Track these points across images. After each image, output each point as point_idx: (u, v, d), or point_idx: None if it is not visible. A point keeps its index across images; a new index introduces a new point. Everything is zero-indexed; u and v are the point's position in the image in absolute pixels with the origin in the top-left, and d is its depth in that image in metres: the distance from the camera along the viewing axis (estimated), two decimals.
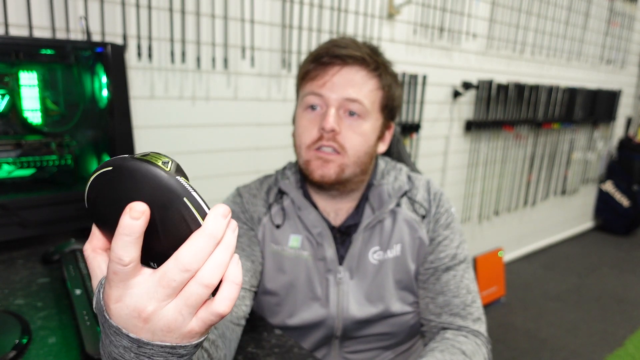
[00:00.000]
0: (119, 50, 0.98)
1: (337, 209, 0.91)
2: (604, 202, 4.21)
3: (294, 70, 1.78)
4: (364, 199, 0.91)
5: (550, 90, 3.15)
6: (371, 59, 0.84)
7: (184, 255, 0.34)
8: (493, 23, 2.63)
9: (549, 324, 2.56)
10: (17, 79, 0.97)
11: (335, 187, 0.87)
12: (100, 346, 0.39)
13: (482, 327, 0.84)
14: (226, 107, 1.65)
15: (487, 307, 2.70)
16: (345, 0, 1.88)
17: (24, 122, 1.00)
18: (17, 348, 0.68)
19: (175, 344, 0.36)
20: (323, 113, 0.84)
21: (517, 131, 3.04)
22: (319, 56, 0.84)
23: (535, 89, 3.00)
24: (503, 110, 2.84)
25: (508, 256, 3.37)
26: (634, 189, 3.98)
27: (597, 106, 3.63)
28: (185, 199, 0.33)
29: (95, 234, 0.39)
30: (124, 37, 1.35)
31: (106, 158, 1.06)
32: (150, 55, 1.41)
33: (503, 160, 3.05)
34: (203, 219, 0.34)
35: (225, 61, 1.58)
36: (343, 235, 0.89)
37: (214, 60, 1.56)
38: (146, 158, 0.34)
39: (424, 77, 2.31)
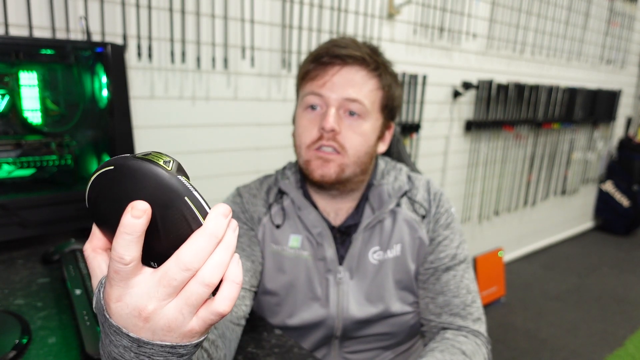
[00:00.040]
0: (119, 50, 0.98)
1: (337, 209, 0.91)
2: (604, 202, 4.21)
3: (294, 70, 1.78)
4: (364, 199, 0.91)
5: (550, 90, 3.15)
6: (371, 59, 0.84)
7: (185, 254, 0.34)
8: (493, 23, 2.63)
9: (549, 324, 2.56)
10: (17, 79, 0.97)
11: (335, 187, 0.87)
12: (100, 346, 0.39)
13: (482, 327, 0.84)
14: (226, 107, 1.65)
15: (487, 307, 2.70)
16: (345, 0, 1.88)
17: (24, 122, 1.00)
18: (17, 348, 0.68)
19: (175, 344, 0.36)
20: (323, 113, 0.84)
21: (517, 131, 3.04)
22: (319, 56, 0.84)
23: (535, 89, 3.00)
24: (503, 110, 2.84)
25: (508, 256, 3.37)
26: (634, 189, 3.98)
27: (597, 106, 3.63)
28: (186, 198, 0.33)
29: (96, 233, 0.39)
30: (124, 37, 1.35)
31: (106, 158, 1.06)
32: (150, 55, 1.41)
33: (503, 160, 3.05)
34: (204, 218, 0.34)
35: (225, 61, 1.58)
36: (343, 235, 0.89)
37: (214, 60, 1.56)
38: (147, 157, 0.34)
39: (424, 77, 2.31)
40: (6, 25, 1.16)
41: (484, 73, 2.69)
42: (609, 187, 4.16)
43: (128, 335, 0.35)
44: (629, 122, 4.37)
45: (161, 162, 0.34)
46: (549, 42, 3.10)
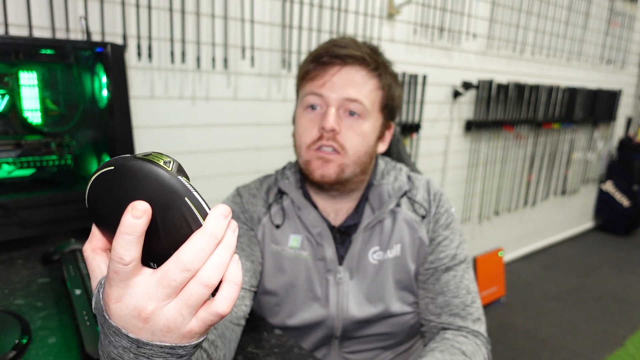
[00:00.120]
0: (119, 50, 0.98)
1: (337, 209, 0.91)
2: (604, 202, 4.21)
3: (294, 70, 1.78)
4: (363, 199, 0.91)
5: (551, 90, 3.15)
6: (371, 59, 0.84)
7: (185, 254, 0.34)
8: (493, 23, 2.63)
9: (549, 324, 2.56)
10: (17, 79, 0.96)
11: (335, 187, 0.87)
12: (99, 346, 0.39)
13: (481, 328, 0.84)
14: (226, 107, 1.65)
15: (487, 307, 2.70)
16: (345, 0, 1.88)
17: (24, 122, 1.00)
18: (17, 348, 0.68)
19: (174, 344, 0.36)
20: (323, 113, 0.84)
21: (517, 131, 3.04)
22: (319, 56, 0.84)
23: (535, 89, 3.00)
24: (503, 110, 2.84)
25: (508, 256, 3.37)
26: (634, 189, 3.98)
27: (597, 106, 3.63)
28: (186, 199, 0.33)
29: (95, 234, 0.39)
30: (124, 37, 1.35)
31: (106, 158, 1.06)
32: (150, 55, 1.41)
33: (503, 160, 3.05)
34: (204, 219, 0.34)
35: (225, 61, 1.58)
36: (343, 235, 0.89)
37: (213, 60, 1.56)
38: (148, 158, 0.34)
39: (424, 77, 2.31)
40: (6, 25, 1.16)
41: (484, 73, 2.69)
42: (609, 187, 4.16)
43: (127, 336, 0.35)
44: (629, 122, 4.37)
45: (161, 163, 0.34)
46: (549, 42, 3.10)
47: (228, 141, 1.69)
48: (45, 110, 1.01)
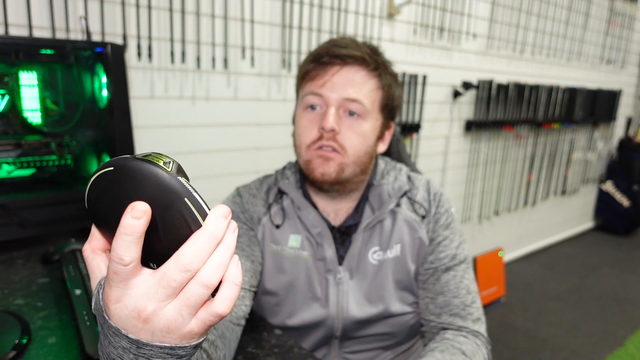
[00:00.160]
0: (119, 50, 0.98)
1: (337, 209, 0.91)
2: (604, 202, 4.21)
3: (294, 70, 1.78)
4: (363, 199, 0.91)
5: (551, 90, 3.15)
6: (371, 59, 0.84)
7: (185, 255, 0.33)
8: (493, 23, 2.63)
9: (549, 324, 2.56)
10: (17, 79, 0.96)
11: (335, 187, 0.87)
12: (99, 347, 0.39)
13: (481, 328, 0.84)
14: (226, 107, 1.65)
15: (487, 307, 2.70)
16: (345, 0, 1.88)
17: (24, 122, 1.00)
18: (17, 348, 0.68)
19: (174, 345, 0.36)
20: (323, 113, 0.84)
21: (517, 131, 3.04)
22: (318, 56, 0.84)
23: (535, 89, 3.00)
24: (503, 110, 2.84)
25: (508, 256, 3.37)
26: (634, 189, 3.98)
27: (597, 106, 3.63)
28: (186, 199, 0.33)
29: (95, 234, 0.39)
30: (124, 37, 1.35)
31: (106, 158, 1.06)
32: (150, 55, 1.41)
33: (503, 160, 3.05)
34: (204, 219, 0.34)
35: (225, 61, 1.58)
36: (343, 235, 0.89)
37: (213, 60, 1.56)
38: (147, 158, 0.34)
39: (424, 77, 2.31)
40: (6, 25, 1.16)
41: (484, 73, 2.69)
42: (609, 187, 4.16)
43: (127, 336, 0.35)
44: (629, 122, 4.37)
45: (161, 163, 0.34)
46: (549, 42, 3.10)
47: (228, 141, 1.69)
48: (45, 110, 1.01)
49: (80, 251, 0.99)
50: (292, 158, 1.00)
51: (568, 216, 3.98)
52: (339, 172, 0.84)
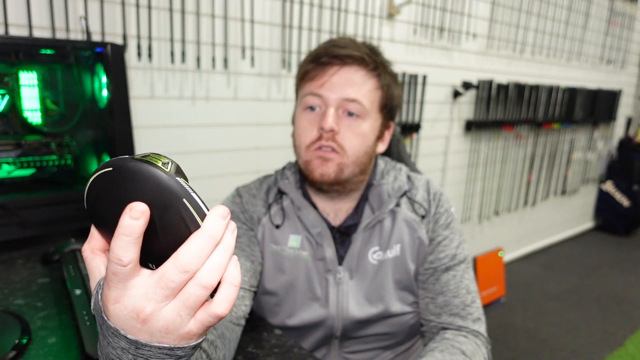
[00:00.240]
0: (119, 50, 0.98)
1: (337, 209, 0.91)
2: (604, 202, 4.21)
3: (294, 70, 1.78)
4: (363, 199, 0.91)
5: (551, 90, 3.15)
6: (370, 59, 0.84)
7: (183, 256, 0.33)
8: (493, 23, 2.63)
9: (549, 324, 2.56)
10: (17, 79, 0.97)
11: (334, 187, 0.87)
12: (98, 347, 0.39)
13: (481, 327, 0.84)
14: (226, 107, 1.65)
15: (487, 307, 2.70)
16: (345, 0, 1.88)
17: (24, 122, 1.00)
18: (17, 348, 0.68)
19: (173, 346, 0.36)
20: (322, 113, 0.84)
21: (517, 131, 3.04)
22: (317, 56, 0.84)
23: (535, 89, 3.00)
24: (503, 110, 2.84)
25: (508, 256, 3.37)
26: (634, 189, 3.98)
27: (597, 106, 3.63)
28: (184, 200, 0.33)
29: (94, 234, 0.39)
30: (124, 37, 1.35)
31: (106, 158, 1.06)
32: (150, 55, 1.41)
33: (503, 160, 3.05)
34: (202, 220, 0.34)
35: (225, 61, 1.58)
36: (343, 235, 0.89)
37: (213, 60, 1.56)
38: (146, 159, 0.34)
39: (424, 77, 2.31)
40: (6, 25, 1.16)
41: (484, 73, 2.69)
42: (609, 187, 4.16)
43: (126, 337, 0.35)
44: (629, 122, 4.37)
45: (159, 164, 0.34)
46: (549, 42, 3.10)
47: (228, 141, 1.69)
48: (45, 110, 1.01)
49: (80, 251, 0.99)
50: (292, 158, 1.00)
51: (568, 216, 3.98)
52: (338, 172, 0.84)
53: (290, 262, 0.88)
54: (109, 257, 0.33)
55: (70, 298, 0.79)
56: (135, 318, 0.34)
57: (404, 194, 0.91)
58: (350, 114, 0.83)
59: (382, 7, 2.05)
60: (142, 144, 1.47)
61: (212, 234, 0.34)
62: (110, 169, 0.34)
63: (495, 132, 2.90)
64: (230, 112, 1.66)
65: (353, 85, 0.82)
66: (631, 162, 4.05)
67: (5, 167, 0.99)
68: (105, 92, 1.01)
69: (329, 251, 0.87)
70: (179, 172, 0.35)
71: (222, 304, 0.35)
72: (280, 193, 0.92)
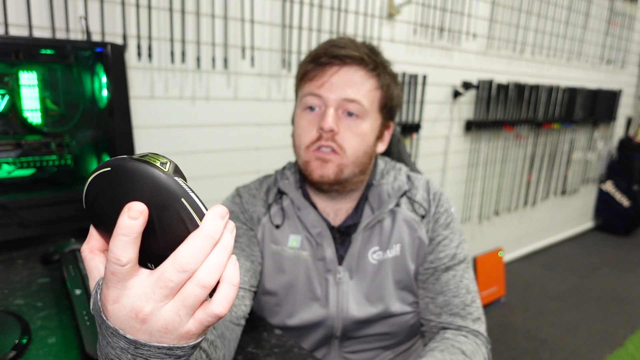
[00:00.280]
0: (119, 50, 0.99)
1: (337, 209, 0.91)
2: (604, 202, 4.21)
3: (294, 70, 1.78)
4: (363, 199, 0.91)
5: (551, 90, 3.15)
6: (369, 59, 0.84)
7: (182, 255, 0.33)
8: (493, 23, 2.63)
9: (549, 324, 2.56)
10: (17, 79, 0.97)
11: (334, 187, 0.87)
12: (98, 347, 0.39)
13: (481, 327, 0.84)
14: (226, 107, 1.65)
15: (487, 307, 2.70)
16: (345, 0, 1.88)
17: (24, 122, 1.00)
18: (17, 348, 0.68)
19: (172, 345, 0.36)
20: (322, 113, 0.84)
21: (517, 131, 3.04)
22: (317, 56, 0.84)
23: (535, 89, 3.00)
24: (503, 110, 2.84)
25: (508, 256, 3.37)
26: (634, 189, 3.97)
27: (597, 106, 3.63)
28: (183, 200, 0.33)
29: (93, 234, 0.39)
30: (124, 37, 1.35)
31: (106, 158, 1.06)
32: (150, 55, 1.41)
33: (503, 160, 3.05)
34: (201, 219, 0.34)
35: (225, 61, 1.58)
36: (342, 235, 0.89)
37: (213, 60, 1.56)
38: (144, 159, 0.34)
39: (424, 77, 2.31)
40: (6, 25, 1.16)
41: (484, 73, 2.69)
42: (609, 187, 4.16)
43: (125, 337, 0.35)
44: (629, 122, 4.37)
45: (158, 164, 0.34)
46: (549, 42, 3.10)
47: (228, 141, 1.69)
48: (45, 110, 1.01)
49: (80, 251, 0.99)
50: (292, 158, 1.00)
51: (568, 216, 3.98)
52: (337, 173, 0.84)
53: (290, 262, 0.88)
54: (108, 257, 0.33)
55: (70, 298, 0.79)
56: (134, 318, 0.34)
57: (404, 193, 0.91)
58: (349, 114, 0.83)
59: (382, 7, 2.05)
60: (142, 144, 1.47)
61: (210, 233, 0.34)
62: (109, 169, 0.34)
63: (495, 132, 2.90)
64: (230, 112, 1.66)
65: (352, 85, 0.82)
66: (631, 162, 4.05)
67: (5, 167, 0.99)
68: (105, 92, 1.01)
69: (329, 251, 0.87)
70: (177, 171, 0.35)
71: (221, 304, 0.35)
72: (280, 193, 0.92)
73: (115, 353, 0.36)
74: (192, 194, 0.34)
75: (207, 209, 0.34)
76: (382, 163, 0.95)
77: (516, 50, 2.87)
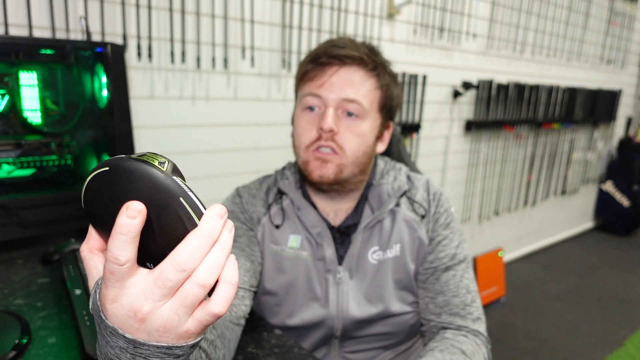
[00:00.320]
0: (119, 50, 0.99)
1: (337, 209, 0.91)
2: (604, 202, 4.21)
3: (294, 70, 1.78)
4: (363, 199, 0.91)
5: (551, 90, 3.15)
6: (369, 59, 0.84)
7: (180, 255, 0.33)
8: (493, 23, 2.63)
9: (549, 324, 2.56)
10: (17, 79, 0.97)
11: (334, 187, 0.87)
12: (97, 347, 0.39)
13: (481, 327, 0.84)
14: (226, 107, 1.65)
15: (487, 307, 2.70)
16: (345, 0, 1.88)
17: (24, 122, 1.00)
18: (17, 348, 0.68)
19: (171, 345, 0.36)
20: (321, 113, 0.84)
21: (517, 131, 3.04)
22: (317, 56, 0.84)
23: (535, 89, 2.99)
24: (503, 110, 2.84)
25: (508, 256, 3.37)
26: (634, 189, 3.97)
27: (597, 106, 3.63)
28: (181, 199, 0.33)
29: (92, 234, 0.39)
30: (124, 37, 1.35)
31: (106, 158, 1.06)
32: (150, 55, 1.41)
33: (503, 160, 3.05)
34: (199, 218, 0.34)
35: (225, 61, 1.58)
36: (342, 235, 0.89)
37: (213, 60, 1.56)
38: (143, 158, 0.34)
39: (424, 77, 2.31)
40: (6, 25, 1.16)
41: (484, 73, 2.69)
42: (609, 187, 4.16)
43: (124, 336, 0.35)
44: (629, 122, 4.37)
45: (156, 163, 0.34)
46: (549, 42, 3.10)
47: (228, 141, 1.69)
48: (45, 110, 1.01)
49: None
50: (292, 158, 1.00)
51: (568, 216, 3.98)
52: (337, 173, 0.84)
53: (290, 262, 0.88)
54: (107, 256, 0.33)
55: (70, 298, 0.79)
56: (133, 317, 0.34)
57: (404, 193, 0.91)
58: (349, 114, 0.83)
59: (382, 7, 2.05)
60: (142, 144, 1.47)
61: (209, 232, 0.34)
62: (107, 168, 0.34)
63: (495, 132, 2.90)
64: (230, 112, 1.66)
65: (352, 85, 0.82)
66: (631, 162, 4.05)
67: (5, 167, 0.99)
68: (105, 92, 1.01)
69: (329, 251, 0.87)
70: (175, 171, 0.35)
71: (219, 303, 0.35)
72: (280, 193, 0.93)
73: (115, 352, 0.36)
74: (190, 194, 0.34)
75: (205, 209, 0.34)
76: (382, 163, 0.95)
77: (516, 50, 2.87)
